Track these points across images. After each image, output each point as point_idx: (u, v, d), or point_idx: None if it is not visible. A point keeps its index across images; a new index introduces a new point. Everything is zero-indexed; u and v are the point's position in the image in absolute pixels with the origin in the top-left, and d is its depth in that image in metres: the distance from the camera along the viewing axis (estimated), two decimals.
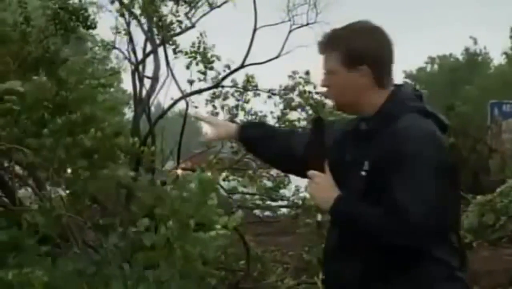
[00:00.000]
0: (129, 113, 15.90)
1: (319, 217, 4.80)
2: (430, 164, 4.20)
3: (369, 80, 4.44)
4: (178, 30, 11.49)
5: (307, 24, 13.19)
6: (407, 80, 42.38)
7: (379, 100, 4.45)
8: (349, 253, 4.49)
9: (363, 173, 4.36)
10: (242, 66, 11.86)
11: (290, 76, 12.88)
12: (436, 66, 46.40)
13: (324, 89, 4.69)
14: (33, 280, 7.50)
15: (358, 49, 4.46)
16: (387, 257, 4.28)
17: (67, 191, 9.60)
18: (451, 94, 29.11)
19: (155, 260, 8.31)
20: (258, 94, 13.14)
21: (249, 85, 12.23)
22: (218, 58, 11.64)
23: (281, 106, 13.03)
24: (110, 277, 8.09)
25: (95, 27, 10.36)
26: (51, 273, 7.80)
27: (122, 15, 11.27)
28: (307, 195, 4.41)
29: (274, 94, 13.01)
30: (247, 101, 13.15)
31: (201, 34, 11.75)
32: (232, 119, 11.36)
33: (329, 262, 4.79)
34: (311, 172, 4.52)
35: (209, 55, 11.69)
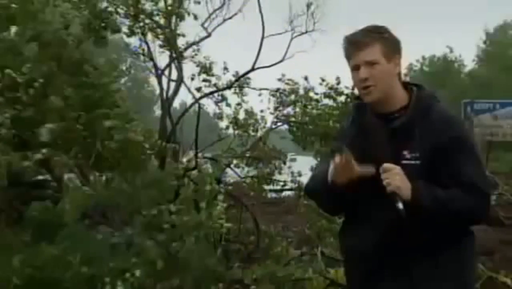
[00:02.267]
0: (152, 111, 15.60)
1: (400, 205, 4.13)
2: (475, 147, 4.39)
3: (398, 71, 4.40)
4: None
5: (306, 32, 13.19)
6: None
7: (402, 94, 4.38)
8: (408, 239, 4.29)
9: (417, 162, 4.23)
10: (252, 69, 11.89)
11: (279, 79, 13.06)
12: (416, 71, 46.44)
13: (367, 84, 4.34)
14: (74, 253, 7.65)
15: (393, 42, 4.41)
16: (440, 234, 4.25)
17: (104, 178, 9.72)
18: None
19: (177, 236, 8.49)
20: (260, 95, 13.30)
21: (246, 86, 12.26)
22: (227, 69, 11.72)
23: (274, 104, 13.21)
24: (141, 249, 8.19)
25: (119, 31, 10.28)
26: (90, 246, 8.01)
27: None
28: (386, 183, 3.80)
29: (277, 91, 13.13)
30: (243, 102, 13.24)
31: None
32: (236, 116, 11.34)
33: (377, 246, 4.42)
34: (387, 165, 4.20)
35: (213, 65, 11.80)
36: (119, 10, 10.24)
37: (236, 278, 7.86)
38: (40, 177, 10.03)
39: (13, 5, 9.27)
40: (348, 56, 4.38)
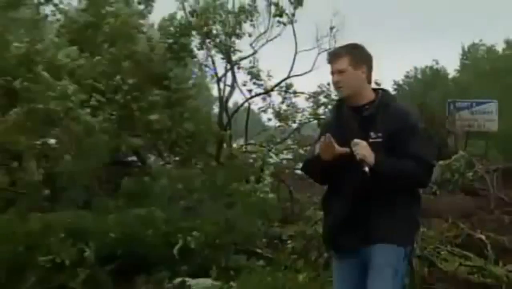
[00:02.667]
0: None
1: (366, 169, 4.34)
2: (422, 130, 4.49)
3: (365, 76, 4.53)
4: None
5: (329, 48, 13.11)
6: (395, 86, 42.19)
7: (369, 93, 4.53)
8: (364, 195, 4.42)
9: (379, 140, 4.39)
10: (288, 77, 11.89)
11: (318, 86, 13.08)
12: (411, 77, 46.70)
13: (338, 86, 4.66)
14: (156, 216, 7.71)
15: (360, 56, 4.56)
16: (395, 196, 4.35)
17: (177, 158, 9.71)
18: (423, 96, 29.42)
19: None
20: (298, 96, 13.25)
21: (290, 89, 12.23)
22: (270, 76, 11.75)
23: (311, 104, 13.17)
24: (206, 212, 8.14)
25: (195, 57, 10.17)
26: (168, 212, 7.98)
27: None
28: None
29: (312, 96, 13.12)
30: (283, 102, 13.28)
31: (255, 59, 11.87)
32: (279, 113, 11.31)
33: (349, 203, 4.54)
34: (356, 140, 4.36)
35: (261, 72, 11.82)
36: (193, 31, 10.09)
37: (276, 235, 7.86)
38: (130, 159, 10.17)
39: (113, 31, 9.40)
40: (329, 64, 4.59)
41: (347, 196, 4.53)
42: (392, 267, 4.29)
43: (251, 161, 9.51)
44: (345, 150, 4.33)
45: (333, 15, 9.99)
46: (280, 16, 9.38)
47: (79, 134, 8.26)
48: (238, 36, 9.55)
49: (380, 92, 4.66)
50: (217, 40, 9.37)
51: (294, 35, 9.87)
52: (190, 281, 6.56)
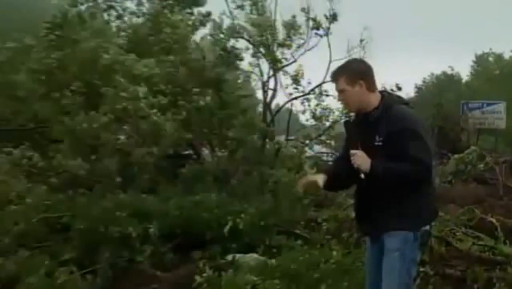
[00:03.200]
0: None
1: (362, 175, 4.40)
2: (420, 132, 4.25)
3: (365, 89, 4.40)
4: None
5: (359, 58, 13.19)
6: (415, 88, 41.85)
7: (374, 100, 4.41)
8: (370, 192, 4.43)
9: (378, 142, 4.30)
10: (323, 82, 11.87)
11: None
12: (428, 83, 46.42)
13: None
14: (209, 201, 7.74)
15: (354, 73, 4.44)
16: (401, 191, 4.27)
17: (224, 152, 9.65)
18: (439, 98, 29.10)
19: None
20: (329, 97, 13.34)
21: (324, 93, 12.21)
22: (310, 82, 11.80)
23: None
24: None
25: (242, 60, 9.98)
26: (219, 197, 7.97)
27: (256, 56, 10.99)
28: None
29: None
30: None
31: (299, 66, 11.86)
32: (314, 114, 11.28)
33: (361, 196, 4.65)
34: (352, 151, 4.41)
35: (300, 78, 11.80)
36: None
37: (312, 218, 7.84)
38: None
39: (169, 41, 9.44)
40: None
41: (356, 194, 4.64)
42: (398, 251, 4.26)
43: (291, 154, 9.40)
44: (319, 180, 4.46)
45: (363, 29, 9.85)
46: (317, 29, 9.27)
47: (146, 131, 8.27)
48: (289, 47, 9.45)
49: (385, 96, 4.53)
50: (269, 49, 9.31)
51: (329, 46, 9.75)
52: (239, 256, 6.56)
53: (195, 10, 11.29)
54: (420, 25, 75.17)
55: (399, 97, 4.72)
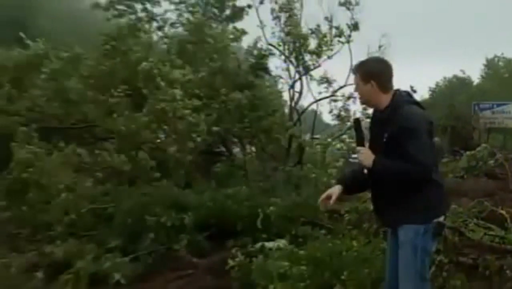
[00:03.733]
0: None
1: (365, 171, 4.41)
2: (422, 132, 4.19)
3: (376, 88, 4.36)
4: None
5: None
6: (429, 91, 41.48)
7: (385, 99, 4.36)
8: (378, 186, 4.45)
9: (384, 140, 4.26)
10: (345, 85, 11.87)
11: None
12: (441, 86, 46.09)
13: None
14: (239, 194, 7.76)
15: (366, 73, 4.41)
16: (407, 186, 4.26)
17: (253, 148, 9.69)
18: (451, 100, 28.82)
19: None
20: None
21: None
22: (333, 85, 11.83)
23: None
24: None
25: (269, 72, 9.99)
26: (248, 190, 7.99)
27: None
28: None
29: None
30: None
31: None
32: (340, 114, 11.26)
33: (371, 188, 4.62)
34: (358, 148, 4.47)
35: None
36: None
37: (335, 210, 7.83)
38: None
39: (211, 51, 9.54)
40: None
41: (371, 190, 4.64)
42: (410, 243, 4.23)
43: (316, 151, 9.35)
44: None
45: (381, 35, 9.75)
46: (340, 36, 9.25)
47: (182, 130, 8.34)
48: (318, 55, 9.41)
49: (396, 95, 4.46)
50: (299, 57, 9.35)
51: (350, 52, 9.68)
52: (267, 244, 6.57)
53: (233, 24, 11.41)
54: (434, 30, 74.71)
55: (410, 96, 4.61)
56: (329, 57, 10.03)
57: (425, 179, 4.25)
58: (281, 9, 9.62)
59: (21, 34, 10.49)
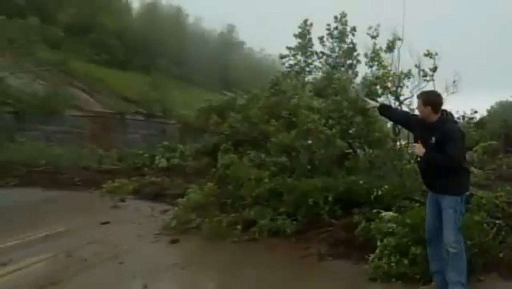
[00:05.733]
0: None
1: (418, 158, 5.03)
2: (457, 139, 4.73)
3: (430, 110, 4.90)
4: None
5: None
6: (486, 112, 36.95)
7: (435, 117, 4.85)
8: (427, 168, 4.96)
9: (433, 141, 4.82)
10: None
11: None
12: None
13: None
14: (360, 180, 7.89)
15: (426, 100, 4.96)
16: (444, 170, 4.80)
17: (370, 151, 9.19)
18: (505, 116, 26.11)
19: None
20: None
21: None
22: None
23: None
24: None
25: (377, 100, 8.79)
26: (368, 177, 7.99)
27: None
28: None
29: None
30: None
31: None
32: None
33: (421, 170, 5.16)
34: (413, 143, 5.01)
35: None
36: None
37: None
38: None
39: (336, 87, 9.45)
40: None
41: (420, 171, 5.13)
42: (452, 208, 4.74)
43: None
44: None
45: (454, 73, 9.38)
46: (425, 76, 9.09)
47: (322, 139, 8.68)
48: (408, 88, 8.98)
49: (444, 114, 4.87)
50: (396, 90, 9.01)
51: (434, 86, 9.30)
52: (382, 213, 6.73)
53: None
54: (486, 58, 64.71)
55: (452, 116, 5.01)
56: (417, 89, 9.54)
57: (456, 167, 4.73)
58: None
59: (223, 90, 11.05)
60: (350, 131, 8.84)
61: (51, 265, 5.90)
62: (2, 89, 16.12)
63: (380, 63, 9.40)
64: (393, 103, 8.79)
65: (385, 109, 5.72)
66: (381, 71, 9.09)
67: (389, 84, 8.78)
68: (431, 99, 4.97)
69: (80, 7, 27.57)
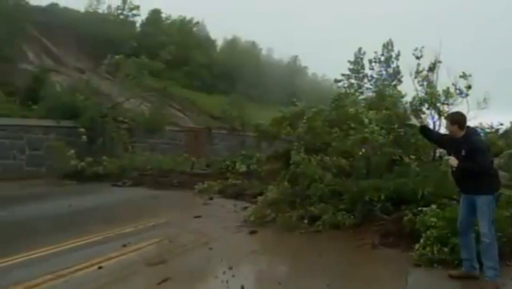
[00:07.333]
0: None
1: (453, 168, 4.93)
2: (483, 150, 4.73)
3: (457, 128, 4.91)
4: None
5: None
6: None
7: (461, 133, 4.85)
8: (461, 175, 4.90)
9: (464, 153, 4.81)
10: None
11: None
12: None
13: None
14: (407, 182, 7.65)
15: (454, 120, 4.97)
16: (475, 174, 4.72)
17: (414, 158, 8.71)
18: None
19: None
20: None
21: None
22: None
23: None
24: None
25: (420, 116, 8.89)
26: (413, 180, 7.74)
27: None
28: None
29: None
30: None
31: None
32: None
33: (456, 177, 5.02)
34: (447, 157, 4.96)
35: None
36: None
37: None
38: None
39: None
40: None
41: (453, 176, 5.06)
42: (486, 205, 4.69)
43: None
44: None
45: (484, 92, 8.65)
46: (461, 93, 8.59)
47: (376, 147, 8.39)
48: (448, 105, 8.67)
49: (469, 129, 4.89)
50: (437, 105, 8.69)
51: (467, 103, 8.60)
52: (424, 209, 6.58)
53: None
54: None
55: (476, 130, 5.05)
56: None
57: (486, 171, 4.77)
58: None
59: (293, 99, 10.93)
60: (399, 141, 8.62)
61: (159, 248, 6.27)
62: (120, 111, 17.71)
63: (430, 83, 9.03)
64: (437, 118, 8.58)
65: (425, 130, 5.81)
66: (429, 90, 8.73)
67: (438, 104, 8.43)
68: (457, 119, 5.04)
69: (177, 45, 29.35)
